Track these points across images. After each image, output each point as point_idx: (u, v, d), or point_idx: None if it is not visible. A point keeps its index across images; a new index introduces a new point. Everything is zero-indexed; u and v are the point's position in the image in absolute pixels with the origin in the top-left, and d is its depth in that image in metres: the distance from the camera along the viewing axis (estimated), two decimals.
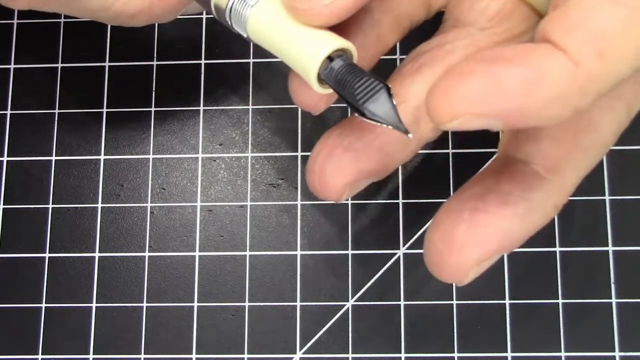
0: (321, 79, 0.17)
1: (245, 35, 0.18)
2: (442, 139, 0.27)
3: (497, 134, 0.27)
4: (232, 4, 0.18)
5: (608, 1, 0.15)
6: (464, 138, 0.27)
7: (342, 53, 0.17)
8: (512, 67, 0.14)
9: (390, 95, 0.16)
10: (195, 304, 0.27)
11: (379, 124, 0.16)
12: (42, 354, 0.27)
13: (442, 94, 0.14)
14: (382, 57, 0.27)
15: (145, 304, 0.27)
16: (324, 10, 0.17)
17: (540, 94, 0.14)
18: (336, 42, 0.17)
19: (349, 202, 0.27)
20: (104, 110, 0.28)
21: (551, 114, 0.15)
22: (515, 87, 0.14)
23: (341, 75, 0.16)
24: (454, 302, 0.26)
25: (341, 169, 0.18)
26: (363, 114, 0.16)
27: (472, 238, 0.17)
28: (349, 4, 0.17)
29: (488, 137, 0.27)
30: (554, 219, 0.26)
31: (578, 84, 0.15)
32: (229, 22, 0.18)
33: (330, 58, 0.17)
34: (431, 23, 0.29)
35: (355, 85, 0.16)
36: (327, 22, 0.17)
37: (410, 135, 0.16)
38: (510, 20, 0.19)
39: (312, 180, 0.18)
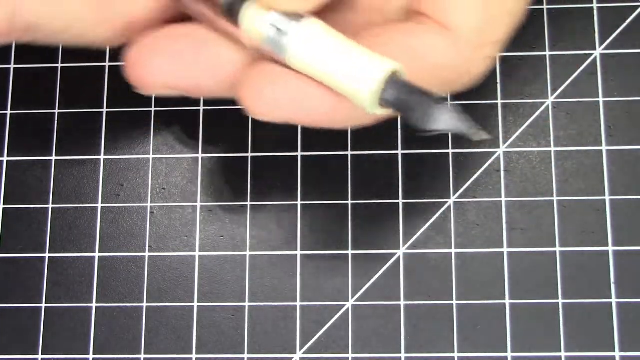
0: (378, 101, 0.17)
1: (284, 62, 0.18)
2: (442, 139, 0.27)
3: (497, 135, 0.27)
4: (269, 35, 0.18)
5: None
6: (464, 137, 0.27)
7: (393, 73, 0.17)
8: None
9: (450, 106, 0.16)
10: (195, 304, 0.27)
11: (445, 132, 0.16)
12: (42, 354, 0.27)
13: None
14: None
15: (145, 304, 0.27)
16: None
17: None
18: (389, 63, 0.17)
19: (349, 202, 0.27)
20: (104, 110, 0.28)
21: None
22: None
23: (398, 95, 0.16)
24: (454, 302, 0.26)
25: (156, 76, 0.18)
26: (426, 131, 0.16)
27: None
28: None
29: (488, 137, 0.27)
30: (554, 219, 0.26)
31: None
32: (267, 51, 0.18)
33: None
34: None
35: (414, 103, 0.16)
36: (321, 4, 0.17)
37: (485, 136, 0.17)
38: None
39: (127, 72, 0.19)
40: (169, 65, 0.18)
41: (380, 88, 0.17)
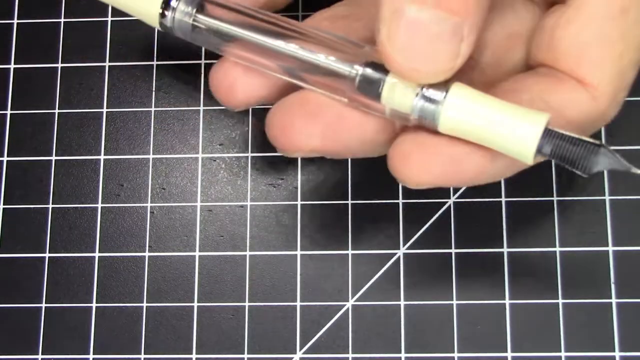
0: (537, 152, 0.18)
1: (434, 128, 0.19)
2: None
3: None
4: (418, 105, 0.18)
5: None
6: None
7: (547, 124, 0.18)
8: None
9: (608, 150, 0.17)
10: (195, 304, 0.27)
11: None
12: (42, 354, 0.27)
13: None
14: None
15: (145, 304, 0.27)
16: (450, 68, 0.17)
17: None
18: (542, 115, 0.17)
19: (349, 202, 0.27)
20: (104, 110, 0.28)
21: None
22: None
23: (557, 145, 0.17)
24: (454, 302, 0.26)
25: (306, 141, 0.19)
26: (589, 175, 0.18)
27: None
28: (468, 50, 0.17)
29: None
30: (554, 219, 0.26)
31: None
32: (413, 119, 0.19)
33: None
34: None
35: (573, 152, 0.17)
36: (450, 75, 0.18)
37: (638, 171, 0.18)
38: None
39: (272, 136, 0.20)
40: (317, 130, 0.19)
41: (539, 140, 0.17)
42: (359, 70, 0.18)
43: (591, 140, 0.17)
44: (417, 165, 0.18)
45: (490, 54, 0.20)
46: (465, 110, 0.18)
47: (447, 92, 0.18)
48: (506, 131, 0.17)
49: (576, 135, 0.17)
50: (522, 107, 0.18)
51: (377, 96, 0.18)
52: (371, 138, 0.19)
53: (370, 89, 0.18)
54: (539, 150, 0.17)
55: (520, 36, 0.20)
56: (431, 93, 0.18)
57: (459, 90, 0.18)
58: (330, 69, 0.19)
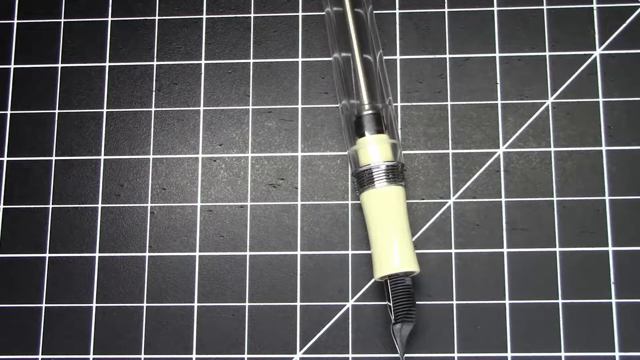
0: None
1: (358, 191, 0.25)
2: (442, 138, 0.27)
3: (497, 135, 0.27)
4: (354, 180, 0.25)
5: None
6: (464, 137, 0.27)
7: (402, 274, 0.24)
8: None
9: (401, 330, 0.24)
10: (195, 304, 0.27)
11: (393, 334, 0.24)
12: (42, 354, 0.27)
13: None
14: (385, 57, 0.27)
15: (145, 304, 0.27)
16: None
17: None
18: (401, 268, 0.24)
19: (349, 202, 0.27)
20: (104, 110, 0.28)
21: None
22: None
23: (392, 289, 0.24)
24: (454, 302, 0.26)
25: None
26: (394, 324, 0.24)
27: None
28: None
29: (488, 137, 0.27)
30: (554, 219, 0.26)
31: None
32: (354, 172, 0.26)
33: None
34: (426, 28, 0.29)
35: (395, 304, 0.24)
36: None
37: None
38: None
39: None
40: None
41: (383, 277, 0.24)
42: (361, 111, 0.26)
43: (409, 314, 0.24)
44: None
45: None
46: (380, 206, 0.24)
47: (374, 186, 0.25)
48: (377, 251, 0.24)
49: (409, 299, 0.24)
50: (408, 251, 0.24)
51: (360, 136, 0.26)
52: None
53: (359, 131, 0.25)
54: (385, 282, 0.24)
55: None
56: (378, 176, 0.24)
57: (392, 188, 0.24)
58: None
